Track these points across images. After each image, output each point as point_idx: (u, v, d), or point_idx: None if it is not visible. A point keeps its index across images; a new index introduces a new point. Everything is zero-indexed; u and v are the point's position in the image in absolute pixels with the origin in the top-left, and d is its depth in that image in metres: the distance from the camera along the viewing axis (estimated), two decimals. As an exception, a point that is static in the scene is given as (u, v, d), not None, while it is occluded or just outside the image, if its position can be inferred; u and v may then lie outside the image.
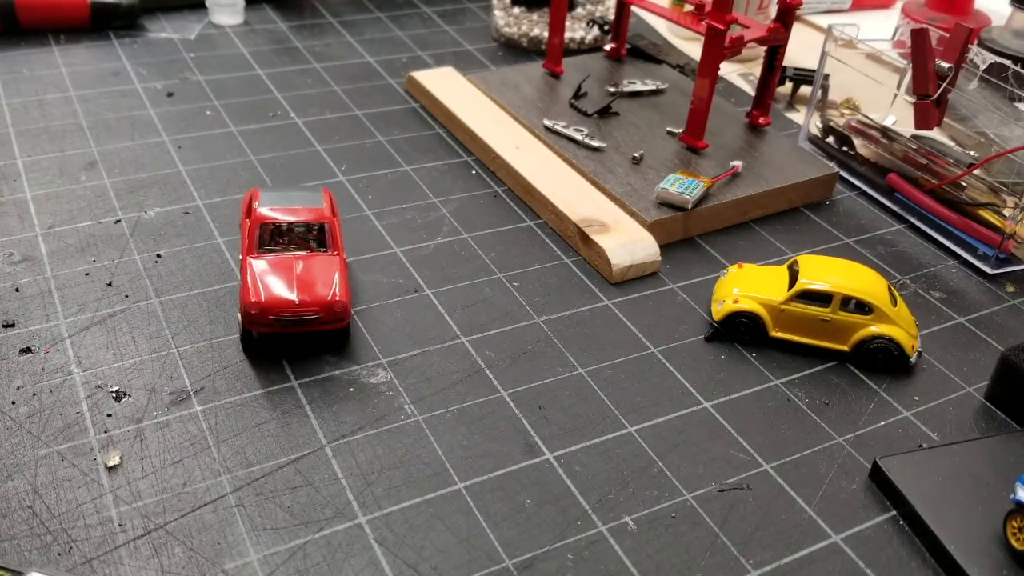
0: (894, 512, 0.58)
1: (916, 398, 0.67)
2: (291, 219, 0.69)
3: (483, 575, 0.52)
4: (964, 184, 0.85)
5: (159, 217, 0.80)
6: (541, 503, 0.57)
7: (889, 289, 0.71)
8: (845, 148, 0.96)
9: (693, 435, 0.63)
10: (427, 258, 0.78)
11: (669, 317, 0.73)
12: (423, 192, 0.87)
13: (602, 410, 0.64)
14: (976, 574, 0.53)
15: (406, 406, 0.63)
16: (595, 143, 0.90)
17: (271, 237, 0.70)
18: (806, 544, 0.56)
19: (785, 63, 0.99)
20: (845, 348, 0.70)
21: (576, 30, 1.17)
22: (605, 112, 0.96)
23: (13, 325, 0.67)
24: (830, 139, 0.97)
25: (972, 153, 0.87)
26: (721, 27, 0.83)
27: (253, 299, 0.64)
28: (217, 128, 0.95)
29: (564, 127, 0.93)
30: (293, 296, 0.64)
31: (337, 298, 0.65)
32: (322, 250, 0.69)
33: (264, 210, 0.69)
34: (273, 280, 0.65)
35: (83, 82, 1.01)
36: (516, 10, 1.20)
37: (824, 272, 0.70)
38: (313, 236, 0.70)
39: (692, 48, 1.20)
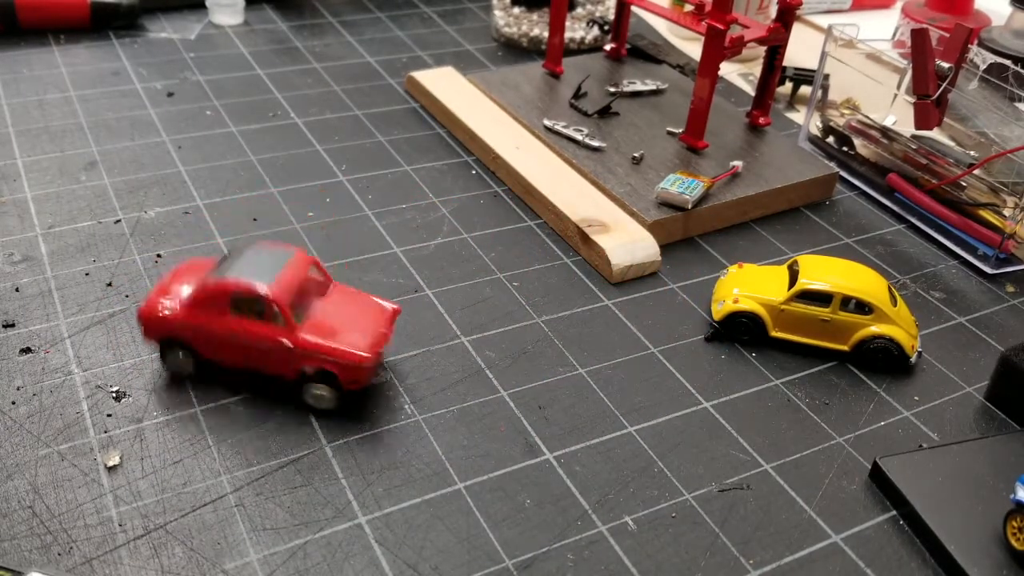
0: (894, 512, 0.58)
1: (916, 398, 0.67)
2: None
3: (483, 575, 0.52)
4: (964, 184, 0.85)
5: (159, 217, 0.80)
6: (541, 503, 0.57)
7: (889, 289, 0.71)
8: (845, 148, 0.96)
9: (693, 435, 0.63)
10: (427, 258, 0.78)
11: (669, 317, 0.73)
12: (423, 192, 0.87)
13: (602, 410, 0.64)
14: (976, 574, 0.53)
15: (406, 406, 0.63)
16: (595, 143, 0.90)
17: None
18: (806, 544, 0.56)
19: (785, 63, 0.99)
20: (845, 348, 0.70)
21: (576, 30, 1.17)
22: (605, 112, 0.96)
23: (13, 325, 0.67)
24: (830, 139, 0.97)
25: (972, 153, 0.87)
26: (721, 27, 0.83)
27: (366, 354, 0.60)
28: (217, 128, 0.95)
29: (564, 127, 0.93)
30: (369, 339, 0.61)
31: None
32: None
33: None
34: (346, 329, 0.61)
35: (83, 82, 1.01)
36: (516, 10, 1.20)
37: (824, 272, 0.70)
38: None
39: (692, 48, 1.20)
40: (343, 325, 0.61)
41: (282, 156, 0.91)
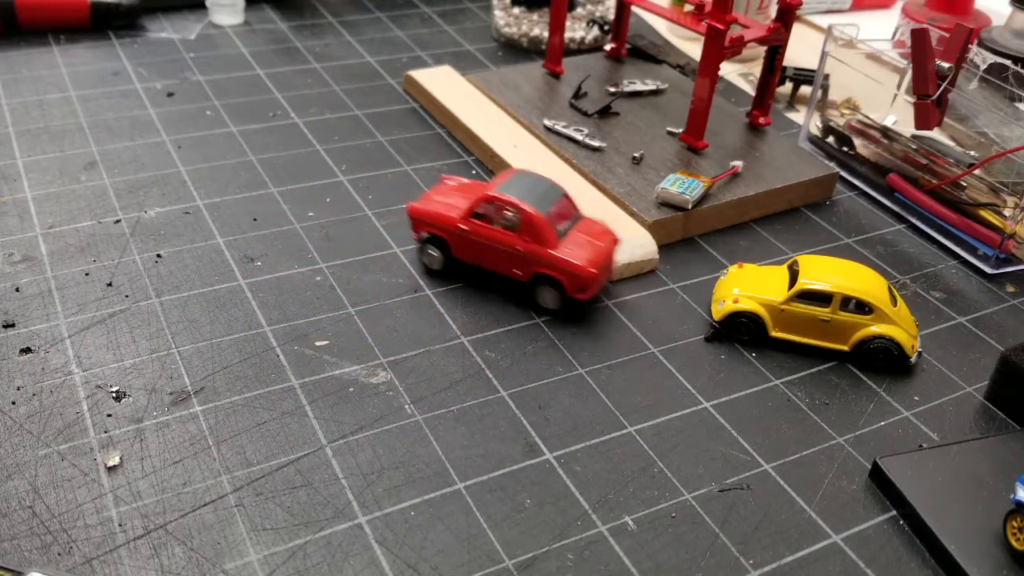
0: (894, 512, 0.58)
1: (916, 398, 0.67)
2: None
3: (483, 575, 0.52)
4: (964, 184, 0.85)
5: (159, 217, 0.80)
6: (541, 503, 0.57)
7: (889, 289, 0.71)
8: (845, 148, 0.96)
9: (693, 435, 0.63)
10: (427, 258, 0.78)
11: (669, 317, 0.73)
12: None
13: (602, 410, 0.64)
14: (976, 574, 0.53)
15: (406, 406, 0.63)
16: (595, 143, 0.90)
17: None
18: (806, 544, 0.56)
19: (785, 63, 0.99)
20: (845, 348, 0.70)
21: (576, 30, 1.17)
22: (605, 112, 0.96)
23: (13, 325, 0.67)
24: (830, 139, 0.97)
25: (972, 153, 0.87)
26: (721, 27, 0.83)
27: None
28: (217, 128, 0.95)
29: (564, 127, 0.93)
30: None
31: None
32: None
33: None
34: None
35: (83, 82, 1.01)
36: (516, 10, 1.20)
37: (824, 272, 0.70)
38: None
39: (692, 48, 1.20)
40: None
41: (282, 156, 0.91)
